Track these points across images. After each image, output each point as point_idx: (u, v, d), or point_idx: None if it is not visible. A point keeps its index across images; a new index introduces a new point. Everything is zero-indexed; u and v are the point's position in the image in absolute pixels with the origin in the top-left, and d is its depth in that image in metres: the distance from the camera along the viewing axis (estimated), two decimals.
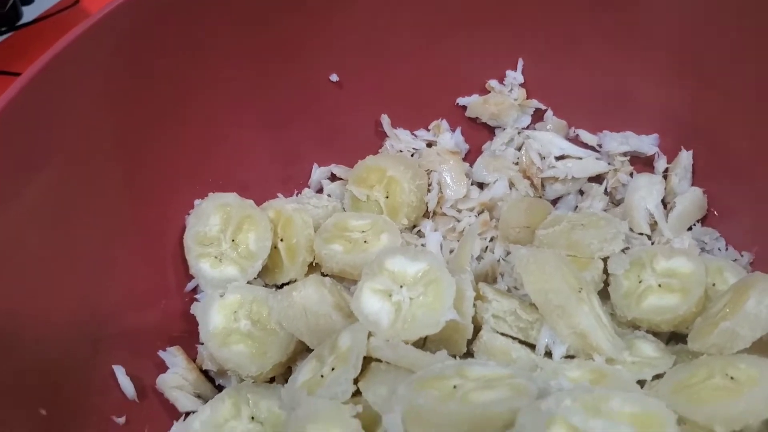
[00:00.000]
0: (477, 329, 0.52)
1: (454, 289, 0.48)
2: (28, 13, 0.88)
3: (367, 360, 0.48)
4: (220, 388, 0.57)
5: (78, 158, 0.51)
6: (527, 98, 0.65)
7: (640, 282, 0.54)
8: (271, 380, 0.56)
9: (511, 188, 0.64)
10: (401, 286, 0.50)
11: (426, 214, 0.63)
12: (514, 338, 0.51)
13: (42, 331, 0.48)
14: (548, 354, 0.50)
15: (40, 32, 0.87)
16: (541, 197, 0.64)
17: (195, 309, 0.55)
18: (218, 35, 0.57)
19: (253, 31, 0.58)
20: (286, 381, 0.53)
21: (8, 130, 0.46)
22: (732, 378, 0.46)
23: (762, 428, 0.47)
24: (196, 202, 0.58)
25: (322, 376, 0.48)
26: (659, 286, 0.54)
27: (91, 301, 0.52)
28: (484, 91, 0.65)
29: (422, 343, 0.50)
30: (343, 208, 0.64)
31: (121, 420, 0.52)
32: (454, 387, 0.42)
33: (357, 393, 0.47)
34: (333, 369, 0.48)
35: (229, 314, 0.55)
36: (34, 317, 0.48)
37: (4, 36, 0.86)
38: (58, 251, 0.50)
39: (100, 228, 0.53)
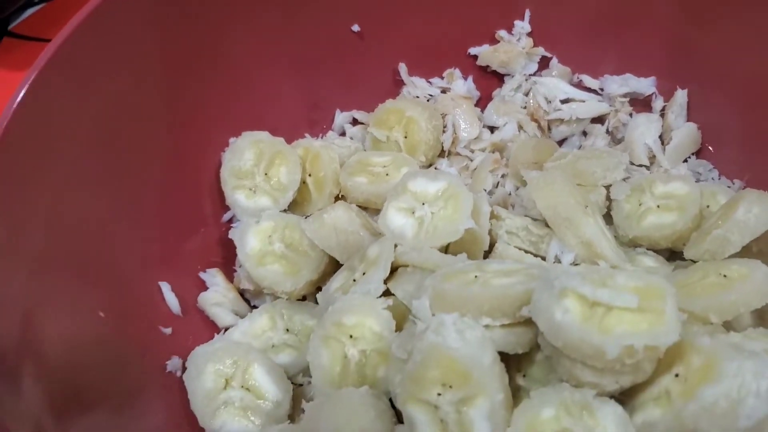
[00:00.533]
0: (492, 245, 0.57)
1: (471, 201, 0.53)
2: None
3: (394, 268, 0.53)
4: (254, 309, 0.62)
5: (124, 94, 0.56)
6: (534, 46, 0.70)
7: (640, 205, 0.59)
8: (303, 299, 0.61)
9: (519, 130, 0.69)
10: (423, 204, 0.55)
11: (441, 154, 0.68)
12: (526, 251, 0.56)
13: (98, 245, 0.53)
14: (557, 263, 0.55)
15: (70, 4, 0.92)
16: (548, 138, 0.69)
17: (233, 234, 0.60)
18: None
19: None
20: (316, 301, 0.59)
21: (68, 61, 0.51)
22: (725, 276, 0.51)
23: (754, 321, 0.53)
24: (231, 140, 0.63)
25: (354, 280, 0.53)
26: (658, 207, 0.59)
27: (138, 223, 0.57)
28: (494, 41, 0.70)
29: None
30: (365, 150, 0.69)
31: (168, 330, 0.57)
32: (476, 277, 0.47)
33: (387, 294, 0.52)
34: (364, 273, 0.53)
35: (264, 238, 0.59)
36: (93, 232, 0.53)
37: (39, 6, 0.91)
38: (113, 177, 0.55)
39: (147, 162, 0.58)
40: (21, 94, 0.48)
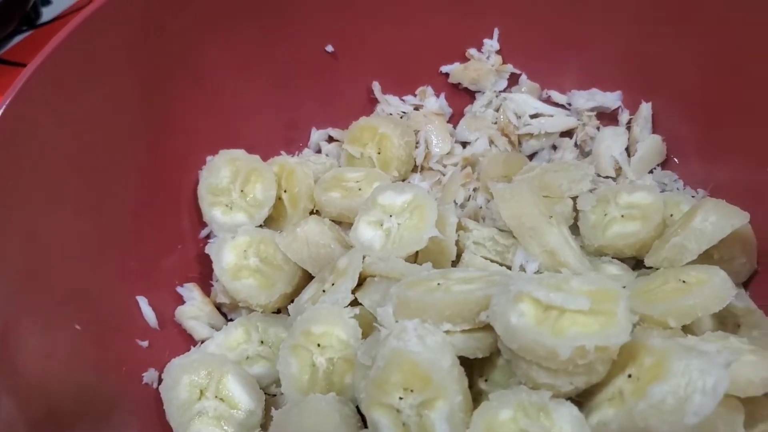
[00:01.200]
0: (459, 256, 0.58)
1: (435, 211, 0.55)
2: (47, 13, 0.96)
3: (363, 279, 0.54)
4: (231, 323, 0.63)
5: (103, 116, 0.58)
6: (503, 64, 0.72)
7: (605, 215, 0.61)
8: (278, 312, 0.62)
9: (491, 145, 0.71)
10: (390, 216, 0.57)
11: (414, 169, 0.70)
12: (492, 261, 0.58)
13: (75, 259, 0.54)
14: (522, 272, 0.57)
15: (57, 30, 0.94)
16: (518, 152, 0.71)
17: (209, 249, 0.61)
18: (227, 10, 0.63)
19: (259, 5, 0.65)
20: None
21: (42, 84, 0.53)
22: (684, 282, 0.52)
23: (715, 325, 0.54)
24: (208, 158, 0.65)
25: (324, 291, 0.54)
26: (622, 216, 0.60)
27: (115, 239, 0.58)
28: (465, 59, 0.72)
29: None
30: (339, 166, 0.71)
31: (145, 344, 0.58)
32: (438, 284, 0.48)
33: (355, 304, 0.53)
34: (333, 284, 0.54)
35: (239, 253, 0.61)
36: (70, 247, 0.54)
37: (26, 34, 0.94)
38: (91, 193, 0.57)
39: (125, 180, 0.60)
40: None
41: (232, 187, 0.64)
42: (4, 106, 0.50)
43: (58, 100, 0.54)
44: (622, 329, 0.41)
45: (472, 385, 0.46)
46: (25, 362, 0.48)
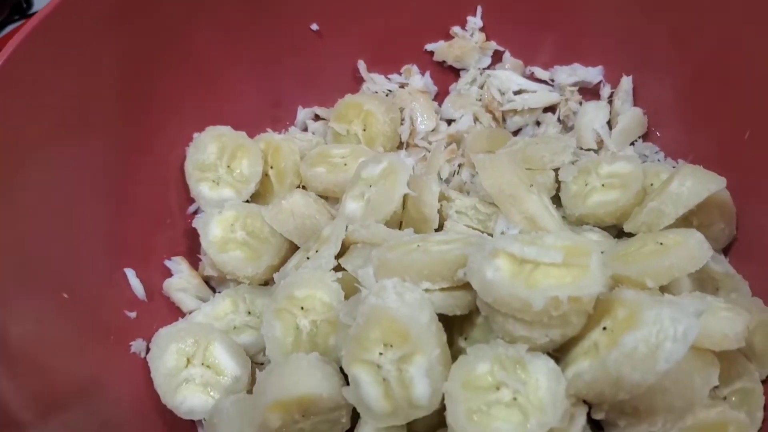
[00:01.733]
0: (442, 225, 0.59)
1: (407, 172, 0.57)
2: (38, 3, 0.97)
3: (346, 246, 0.55)
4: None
5: (89, 89, 0.58)
6: (486, 41, 0.73)
7: (586, 185, 0.62)
8: (265, 284, 0.63)
9: (475, 122, 0.72)
10: (370, 186, 0.58)
11: (400, 146, 0.71)
12: (474, 228, 0.59)
13: (63, 229, 0.55)
14: None
15: None
16: (503, 129, 0.72)
17: (196, 222, 0.62)
18: None
19: None
20: None
21: (30, 55, 0.53)
22: (661, 244, 0.53)
23: (693, 287, 0.55)
24: (195, 134, 0.66)
25: (308, 258, 0.55)
26: (602, 186, 0.61)
27: (102, 212, 0.59)
28: (449, 37, 0.73)
29: None
30: (326, 144, 0.72)
31: (133, 314, 0.59)
32: (417, 246, 0.49)
33: (339, 270, 0.54)
34: (317, 251, 0.55)
35: (226, 227, 0.62)
36: (58, 217, 0.55)
37: (18, 23, 0.95)
38: (79, 168, 0.58)
39: (113, 156, 0.61)
40: None
41: (218, 163, 0.65)
42: None
43: (45, 71, 0.54)
44: (594, 280, 0.42)
45: (452, 344, 0.47)
46: (14, 327, 0.49)
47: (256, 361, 0.58)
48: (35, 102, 0.54)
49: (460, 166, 0.69)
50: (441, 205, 0.59)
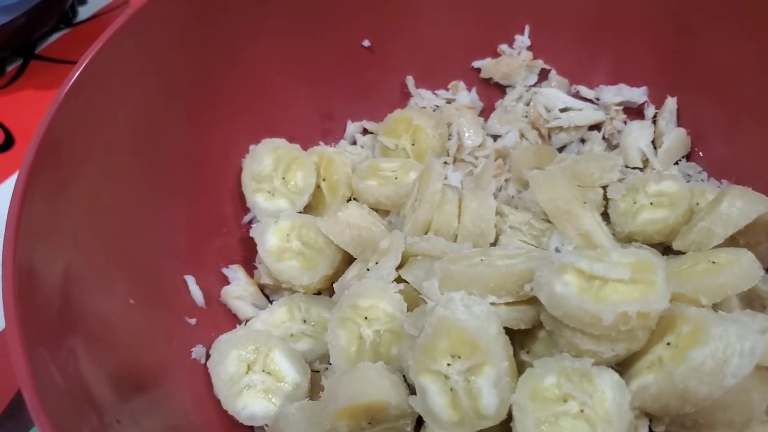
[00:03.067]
0: (496, 241, 0.61)
1: (440, 169, 0.60)
2: (83, 12, 0.99)
3: (405, 259, 0.57)
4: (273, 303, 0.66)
5: (155, 104, 0.61)
6: (533, 59, 0.74)
7: (634, 203, 0.63)
8: (318, 293, 0.64)
9: (521, 138, 0.73)
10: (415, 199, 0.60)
11: (447, 160, 0.73)
12: (528, 244, 0.60)
13: (130, 238, 0.57)
14: None
15: (93, 28, 0.98)
16: (548, 145, 0.74)
17: (254, 232, 0.64)
18: (268, 7, 0.66)
19: (299, 5, 0.68)
20: (331, 295, 0.63)
21: (101, 75, 0.55)
22: (714, 262, 0.54)
23: (741, 305, 0.56)
24: (251, 146, 0.67)
25: (368, 269, 0.57)
26: (651, 204, 0.62)
27: (166, 222, 0.61)
28: (496, 55, 0.75)
29: None
30: (374, 157, 0.73)
31: (193, 321, 0.60)
32: (481, 260, 0.51)
33: (399, 281, 0.55)
34: (377, 263, 0.56)
35: (282, 236, 0.63)
36: (125, 226, 0.57)
37: (63, 32, 0.97)
38: (145, 179, 0.60)
39: (175, 167, 0.63)
40: (59, 103, 0.52)
41: (274, 175, 0.66)
42: (66, 89, 0.52)
43: (115, 86, 0.57)
44: (661, 296, 0.43)
45: (515, 357, 0.48)
46: (85, 323, 0.50)
47: (312, 368, 0.59)
48: (107, 113, 0.56)
49: (506, 181, 0.71)
50: (495, 220, 0.60)
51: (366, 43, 0.72)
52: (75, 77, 0.53)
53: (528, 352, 0.50)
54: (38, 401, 0.39)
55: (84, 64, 0.54)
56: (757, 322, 0.44)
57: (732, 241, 0.58)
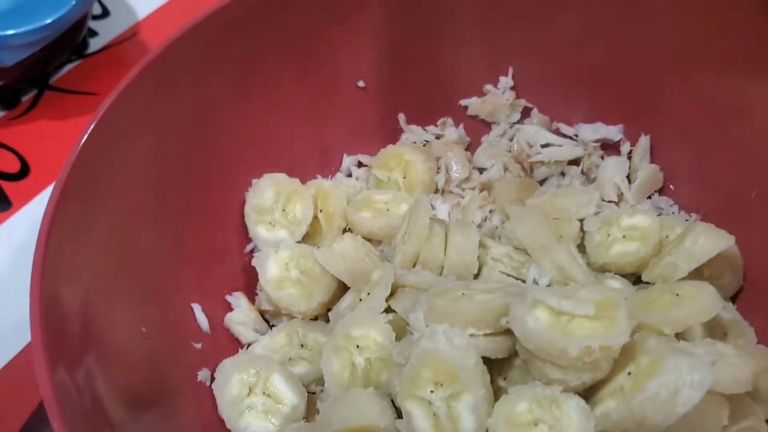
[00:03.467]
0: (480, 270, 0.66)
1: (426, 203, 0.66)
2: (94, 44, 1.04)
3: (394, 289, 0.62)
4: (273, 328, 0.71)
5: (166, 143, 0.66)
6: (517, 98, 0.79)
7: (608, 236, 0.68)
8: (315, 319, 0.69)
9: (505, 171, 0.78)
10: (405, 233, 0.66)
11: (436, 192, 0.78)
12: (508, 275, 0.65)
13: (143, 269, 0.62)
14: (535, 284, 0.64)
15: (104, 60, 1.02)
16: (530, 178, 0.79)
17: (255, 261, 0.68)
18: (270, 50, 0.71)
19: (300, 47, 0.72)
20: (327, 320, 0.68)
21: (119, 115, 0.60)
22: (677, 295, 0.59)
23: (704, 333, 0.61)
24: (254, 180, 0.72)
25: (360, 299, 0.62)
26: (623, 237, 0.67)
27: (176, 253, 0.66)
28: (482, 94, 0.80)
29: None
30: (368, 188, 0.78)
31: (198, 346, 0.65)
32: (463, 294, 0.56)
33: (388, 311, 0.60)
34: (368, 293, 0.61)
35: (282, 265, 0.68)
36: (139, 257, 0.62)
37: (75, 63, 1.02)
38: (156, 212, 0.64)
39: (183, 200, 0.67)
40: (83, 140, 0.57)
41: (275, 207, 0.71)
42: (90, 130, 0.57)
43: (132, 127, 0.61)
44: (622, 331, 0.48)
45: (492, 383, 0.53)
46: (103, 346, 0.55)
47: (309, 390, 0.64)
48: (124, 154, 0.61)
49: (491, 212, 0.75)
50: (478, 252, 0.65)
51: (361, 83, 0.77)
52: (96, 121, 0.58)
53: (505, 378, 0.55)
54: (59, 414, 0.44)
55: (104, 109, 0.58)
56: (709, 356, 0.48)
57: (697, 273, 0.63)
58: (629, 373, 0.50)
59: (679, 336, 0.57)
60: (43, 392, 0.44)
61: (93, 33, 1.05)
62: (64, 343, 0.49)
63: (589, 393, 0.52)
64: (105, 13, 1.08)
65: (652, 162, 0.75)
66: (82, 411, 0.47)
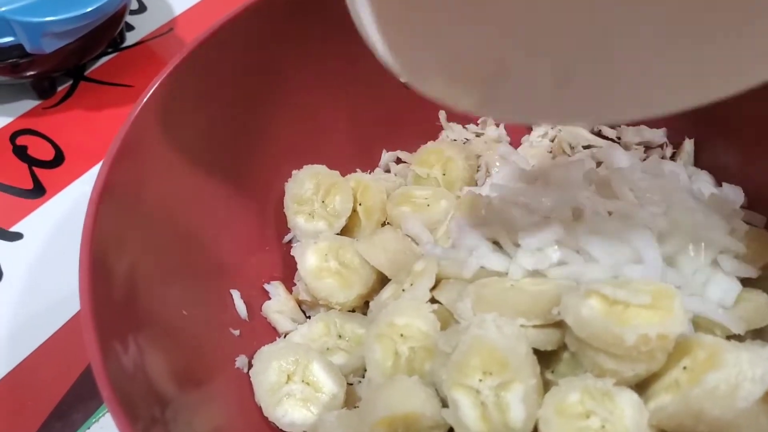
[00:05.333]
0: None
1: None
2: (131, 38, 1.05)
3: (438, 281, 0.61)
4: (310, 318, 0.70)
5: (206, 134, 0.65)
6: None
7: None
8: (352, 311, 0.68)
9: None
10: None
11: None
12: None
13: (185, 253, 0.62)
14: None
15: (140, 53, 1.03)
16: None
17: (294, 251, 0.68)
18: (311, 42, 0.71)
19: (341, 40, 0.72)
20: (364, 313, 0.67)
21: (163, 103, 0.60)
22: None
23: (751, 335, 0.59)
24: (294, 171, 0.72)
25: (403, 290, 0.61)
26: None
27: (215, 239, 0.66)
28: None
29: None
30: (406, 185, 0.78)
31: (237, 332, 0.64)
32: (511, 285, 0.55)
33: (432, 302, 0.60)
34: (411, 284, 0.61)
35: (321, 256, 0.68)
36: (182, 242, 0.62)
37: (112, 55, 1.02)
38: (199, 200, 0.64)
39: (225, 189, 0.67)
40: (133, 116, 0.57)
41: (314, 198, 0.71)
42: (138, 109, 0.57)
43: (178, 112, 0.61)
44: (679, 321, 0.47)
45: (541, 376, 0.52)
46: (147, 323, 0.55)
47: (347, 381, 0.63)
48: (169, 136, 0.61)
49: None
50: None
51: (403, 79, 0.77)
52: (145, 100, 0.58)
53: (553, 372, 0.54)
54: (107, 381, 0.43)
55: (153, 89, 0.59)
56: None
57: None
58: (684, 368, 0.49)
59: (729, 338, 0.57)
60: (92, 358, 0.43)
61: (130, 27, 1.06)
62: (111, 314, 0.49)
63: (641, 388, 0.51)
64: (142, 8, 1.09)
65: (695, 165, 0.74)
66: (129, 380, 0.47)
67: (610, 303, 0.49)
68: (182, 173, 0.63)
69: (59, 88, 0.97)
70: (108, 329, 0.47)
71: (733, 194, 0.67)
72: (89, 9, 0.84)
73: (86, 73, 1.00)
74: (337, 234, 0.71)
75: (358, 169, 0.77)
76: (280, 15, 0.67)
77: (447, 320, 0.57)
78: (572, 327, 0.49)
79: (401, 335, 0.56)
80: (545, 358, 0.54)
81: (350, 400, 0.61)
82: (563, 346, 0.53)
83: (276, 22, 0.67)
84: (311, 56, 0.72)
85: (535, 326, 0.52)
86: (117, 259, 0.53)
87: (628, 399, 0.48)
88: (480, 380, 0.50)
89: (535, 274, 0.56)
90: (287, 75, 0.71)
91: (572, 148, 0.78)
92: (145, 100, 0.58)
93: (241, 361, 0.63)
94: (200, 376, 0.59)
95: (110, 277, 0.51)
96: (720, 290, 0.57)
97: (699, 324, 0.56)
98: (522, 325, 0.52)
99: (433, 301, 0.59)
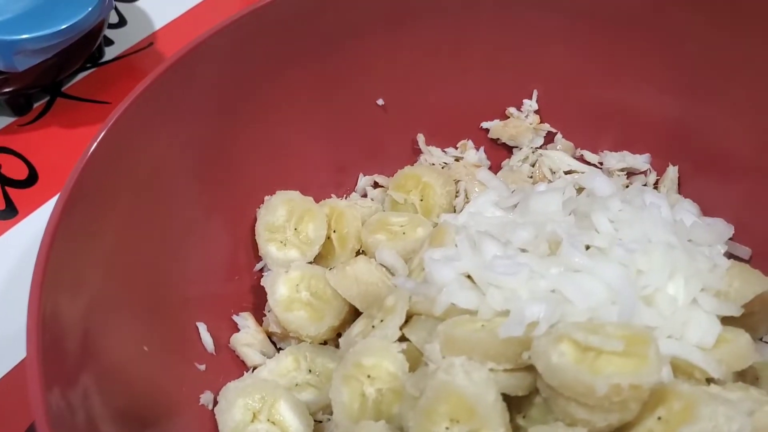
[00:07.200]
0: None
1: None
2: (110, 53, 1.03)
3: (409, 316, 0.59)
4: (280, 351, 0.68)
5: (177, 156, 0.63)
6: (540, 123, 0.77)
7: None
8: (324, 343, 0.66)
9: None
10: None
11: None
12: None
13: (146, 286, 0.60)
14: None
15: (118, 69, 1.01)
16: None
17: (264, 281, 0.66)
18: (288, 65, 0.69)
19: (318, 62, 0.70)
20: (337, 345, 0.65)
21: (129, 126, 0.58)
22: None
23: (734, 377, 0.57)
24: (266, 197, 0.70)
25: (373, 326, 0.59)
26: None
27: (181, 269, 0.63)
28: (504, 117, 0.78)
29: None
30: (384, 210, 0.76)
31: (202, 367, 0.62)
32: (482, 325, 0.53)
33: (402, 339, 0.57)
34: (382, 320, 0.59)
35: (292, 286, 0.65)
36: (142, 274, 0.59)
37: (90, 71, 1.00)
38: (162, 227, 0.62)
39: (191, 215, 0.65)
40: (91, 150, 0.54)
41: (287, 225, 0.69)
42: (98, 139, 0.55)
43: (141, 138, 0.59)
44: (653, 369, 0.45)
45: (510, 421, 0.50)
46: (102, 365, 0.52)
47: (316, 419, 0.61)
48: (130, 167, 0.59)
49: None
50: None
51: (380, 101, 0.75)
52: (105, 130, 0.55)
53: (524, 417, 0.52)
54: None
55: (114, 119, 0.56)
56: (746, 404, 0.46)
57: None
58: (659, 418, 0.46)
59: (709, 380, 0.55)
60: (36, 413, 0.41)
61: (109, 41, 1.03)
62: (60, 361, 0.47)
63: None
64: (122, 22, 1.07)
65: (679, 193, 0.73)
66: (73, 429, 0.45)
67: (582, 349, 0.47)
68: (147, 201, 0.60)
69: (35, 105, 0.95)
70: (55, 375, 0.45)
71: (719, 227, 0.65)
72: (64, 26, 0.82)
73: (63, 89, 0.98)
74: (310, 262, 0.69)
75: (333, 195, 0.75)
76: (259, 35, 0.65)
77: (417, 359, 0.55)
78: (542, 374, 0.47)
79: (368, 376, 0.54)
80: (516, 402, 0.52)
81: None
82: (535, 390, 0.51)
83: (254, 43, 0.66)
84: (288, 77, 0.70)
85: (505, 370, 0.50)
86: (70, 298, 0.50)
87: None
88: (447, 428, 0.48)
89: (507, 313, 0.54)
90: (263, 96, 0.69)
91: (553, 173, 0.76)
92: (103, 132, 0.55)
93: (206, 397, 0.61)
94: (161, 415, 0.57)
95: (61, 318, 0.49)
96: (700, 331, 0.55)
97: (677, 366, 0.53)
98: (492, 369, 0.50)
99: (402, 338, 0.57)
